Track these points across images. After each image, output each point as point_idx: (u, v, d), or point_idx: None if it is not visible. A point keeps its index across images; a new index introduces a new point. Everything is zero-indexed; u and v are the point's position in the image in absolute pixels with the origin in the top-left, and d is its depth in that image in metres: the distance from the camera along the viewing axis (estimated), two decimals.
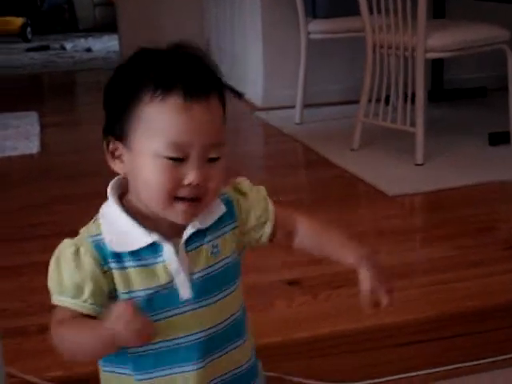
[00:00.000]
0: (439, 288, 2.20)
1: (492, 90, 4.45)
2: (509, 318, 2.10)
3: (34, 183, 3.32)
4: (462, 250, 2.43)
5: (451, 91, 4.56)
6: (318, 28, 3.95)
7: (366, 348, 1.99)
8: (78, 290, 1.06)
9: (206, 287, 1.11)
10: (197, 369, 1.11)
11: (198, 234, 1.10)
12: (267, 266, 2.28)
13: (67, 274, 1.07)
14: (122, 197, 1.12)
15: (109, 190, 1.12)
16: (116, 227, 1.08)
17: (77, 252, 1.08)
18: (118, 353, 1.07)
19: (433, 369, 2.00)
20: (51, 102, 5.35)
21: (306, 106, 4.12)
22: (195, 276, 1.10)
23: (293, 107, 4.12)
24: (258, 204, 1.19)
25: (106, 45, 7.92)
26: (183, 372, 1.11)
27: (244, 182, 1.21)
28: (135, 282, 1.07)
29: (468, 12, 4.04)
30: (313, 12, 3.99)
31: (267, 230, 1.19)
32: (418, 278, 2.29)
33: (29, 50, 8.01)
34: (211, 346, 1.12)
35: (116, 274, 1.07)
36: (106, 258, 1.07)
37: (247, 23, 4.67)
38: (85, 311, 1.07)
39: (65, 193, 3.13)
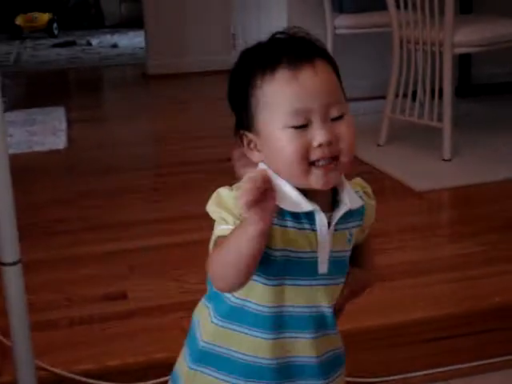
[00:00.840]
0: (466, 284, 2.19)
1: None
2: None
3: (62, 178, 3.35)
4: (489, 246, 2.42)
5: (479, 86, 4.54)
6: (345, 23, 3.94)
7: (392, 344, 1.99)
8: (240, 219, 1.05)
9: (337, 268, 1.15)
10: (311, 338, 1.14)
11: (345, 217, 1.13)
12: None
13: (232, 206, 1.07)
14: None
15: (261, 164, 1.13)
16: (279, 188, 1.08)
17: (231, 190, 1.09)
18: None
19: (458, 365, 2.01)
20: (77, 98, 5.38)
21: None
22: (334, 254, 1.13)
23: None
24: (372, 213, 1.22)
25: (132, 41, 7.95)
26: (301, 338, 1.14)
27: (368, 186, 1.24)
28: (293, 241, 1.09)
29: (495, 7, 4.01)
30: (339, 7, 3.98)
31: (361, 237, 1.21)
32: (445, 273, 2.28)
33: (55, 45, 8.05)
34: (321, 322, 1.15)
35: (277, 229, 1.08)
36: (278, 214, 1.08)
37: (273, 17, 4.67)
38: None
39: (92, 188, 3.15)
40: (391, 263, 2.32)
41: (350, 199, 1.13)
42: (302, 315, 1.13)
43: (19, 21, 8.80)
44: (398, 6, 3.38)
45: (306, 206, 1.09)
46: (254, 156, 1.13)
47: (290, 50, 1.09)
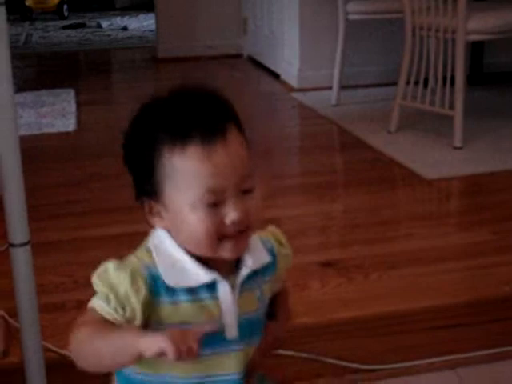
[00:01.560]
0: (475, 273, 2.19)
1: None
2: None
3: (71, 160, 3.34)
4: (499, 235, 2.41)
5: (490, 75, 4.52)
6: (357, 8, 3.92)
7: (400, 331, 1.99)
8: (122, 306, 1.03)
9: (249, 330, 1.10)
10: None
11: (251, 277, 1.10)
12: (301, 248, 2.28)
13: (119, 288, 1.03)
14: None
15: (157, 229, 1.10)
16: (172, 262, 1.06)
17: (133, 275, 1.04)
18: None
19: (466, 354, 2.00)
20: (87, 80, 5.37)
21: (342, 87, 4.10)
22: (243, 317, 1.09)
23: (329, 88, 4.10)
24: (287, 262, 1.18)
25: (142, 24, 7.93)
26: None
27: (281, 234, 1.19)
28: (185, 315, 1.05)
29: None
30: None
31: (276, 288, 1.18)
32: (454, 262, 2.28)
33: (65, 27, 8.03)
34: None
35: (166, 307, 1.05)
36: (159, 291, 1.05)
37: (284, 2, 4.65)
38: (116, 322, 1.04)
39: (101, 170, 3.15)
40: (400, 251, 2.32)
41: (254, 258, 1.09)
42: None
43: (29, 2, 8.79)
44: None
45: (205, 277, 1.06)
46: (156, 222, 1.09)
47: (202, 121, 1.02)
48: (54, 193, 2.86)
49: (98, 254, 2.31)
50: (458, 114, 3.26)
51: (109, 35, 7.47)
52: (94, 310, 1.05)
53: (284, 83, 4.67)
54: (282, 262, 1.17)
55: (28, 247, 1.54)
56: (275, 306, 1.19)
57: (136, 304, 1.03)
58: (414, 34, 3.44)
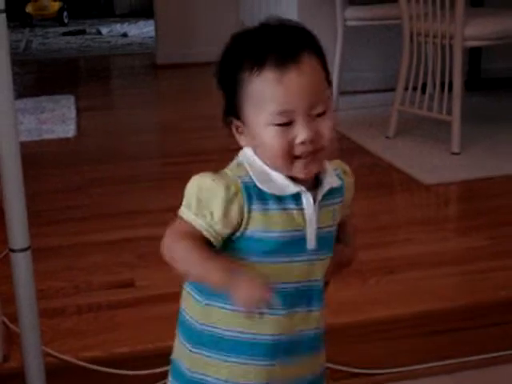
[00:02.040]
0: (472, 277, 2.20)
1: None
2: None
3: (71, 166, 3.35)
4: (496, 240, 2.42)
5: (488, 81, 4.53)
6: (355, 15, 3.94)
7: (398, 336, 1.99)
8: (211, 216, 1.12)
9: (324, 243, 1.19)
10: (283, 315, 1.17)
11: (328, 195, 1.18)
12: None
13: (216, 201, 1.12)
14: None
15: (247, 149, 1.18)
16: (263, 173, 1.15)
17: (227, 187, 1.12)
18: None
19: (463, 358, 2.01)
20: (87, 87, 5.38)
21: (341, 93, 4.11)
22: (320, 231, 1.18)
23: None
24: (352, 189, 1.25)
25: (141, 30, 7.95)
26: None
27: (346, 165, 1.27)
28: (275, 223, 1.14)
29: (507, 0, 4.00)
30: None
31: (345, 213, 1.25)
32: (451, 267, 2.29)
33: (65, 34, 8.05)
34: (309, 298, 1.20)
35: (257, 214, 1.13)
36: (252, 200, 1.13)
37: (283, 8, 4.66)
38: (207, 234, 1.13)
39: (101, 176, 3.17)
40: (398, 255, 2.33)
41: (330, 179, 1.19)
42: (293, 291, 1.17)
43: (29, 9, 8.81)
44: None
45: (292, 188, 1.14)
46: (242, 140, 1.18)
47: (278, 46, 1.11)
48: (54, 198, 2.87)
49: (97, 260, 2.34)
50: (456, 119, 3.27)
51: (108, 42, 7.48)
52: (182, 219, 1.14)
53: None
54: (348, 188, 1.24)
55: (28, 252, 1.55)
56: (343, 234, 1.27)
57: (219, 209, 1.11)
58: (411, 40, 3.46)
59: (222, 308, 1.17)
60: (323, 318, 1.25)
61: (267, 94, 1.11)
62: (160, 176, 3.26)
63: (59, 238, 2.49)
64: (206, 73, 5.86)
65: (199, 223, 1.12)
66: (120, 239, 2.48)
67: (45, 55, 6.75)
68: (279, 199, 1.14)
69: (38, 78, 5.50)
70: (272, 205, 1.14)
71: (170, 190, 2.97)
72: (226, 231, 1.13)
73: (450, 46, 3.28)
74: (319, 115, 1.12)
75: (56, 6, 8.93)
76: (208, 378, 1.20)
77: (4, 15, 1.43)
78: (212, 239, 1.13)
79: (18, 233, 1.53)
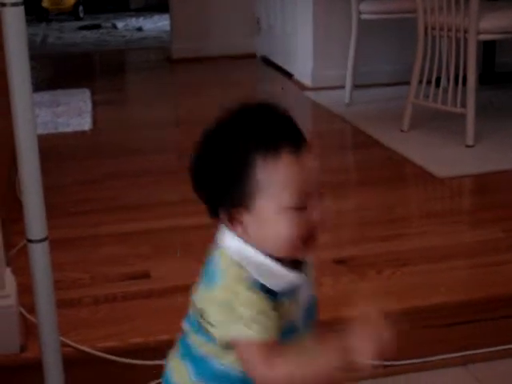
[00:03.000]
0: (487, 270, 2.20)
1: None
2: None
3: (86, 159, 3.37)
4: (511, 233, 2.42)
5: (503, 74, 4.51)
6: (370, 8, 3.94)
7: (413, 327, 1.99)
8: (262, 322, 1.10)
9: (309, 316, 1.20)
10: None
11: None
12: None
13: (250, 308, 1.10)
14: None
15: (229, 239, 1.15)
16: (263, 268, 1.13)
17: (249, 289, 1.11)
18: None
19: (477, 350, 2.02)
20: (102, 80, 5.41)
21: (355, 86, 4.11)
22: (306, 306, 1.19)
23: (342, 88, 4.12)
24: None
25: (156, 24, 7.97)
26: None
27: None
28: (288, 313, 1.14)
29: None
30: None
31: None
32: (466, 259, 2.30)
33: (81, 28, 8.08)
34: None
35: (275, 306, 1.12)
36: (267, 295, 1.12)
37: (298, 2, 4.67)
38: (271, 339, 1.10)
39: (116, 169, 3.19)
40: (412, 248, 2.34)
41: None
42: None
43: (46, 3, 8.84)
44: None
45: (295, 277, 1.14)
46: (240, 231, 1.13)
47: (289, 131, 1.12)
48: (70, 191, 2.89)
49: (113, 251, 2.36)
50: (470, 112, 3.27)
51: (124, 36, 7.51)
52: (251, 340, 1.09)
53: (297, 82, 4.69)
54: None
55: (46, 243, 1.56)
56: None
57: (262, 311, 1.10)
58: (426, 34, 3.45)
59: None
60: None
61: (285, 177, 1.09)
62: (175, 169, 3.25)
63: (75, 229, 2.51)
64: (220, 67, 5.93)
65: (262, 331, 1.09)
66: (135, 231, 2.50)
67: (61, 49, 6.78)
68: (270, 291, 1.12)
69: (54, 71, 5.52)
70: (281, 296, 1.13)
71: (184, 183, 2.98)
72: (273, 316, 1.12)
73: (465, 40, 3.27)
74: (320, 195, 1.13)
75: (72, 0, 8.97)
76: None
77: (22, 8, 1.44)
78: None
79: (36, 223, 1.54)
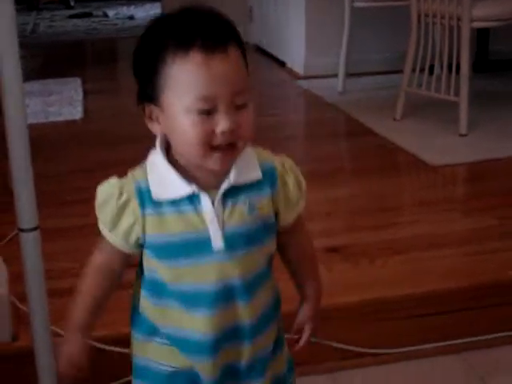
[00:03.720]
0: (480, 258, 2.21)
1: None
2: None
3: (78, 148, 3.36)
4: (503, 221, 2.43)
5: (496, 62, 4.52)
6: None
7: (405, 315, 2.01)
8: (115, 225, 1.17)
9: (237, 241, 1.16)
10: (209, 315, 1.17)
11: (234, 191, 1.16)
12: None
13: (109, 209, 1.17)
14: (168, 151, 1.17)
15: (157, 142, 1.17)
16: (160, 176, 1.15)
17: (121, 193, 1.16)
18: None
19: (471, 338, 2.02)
20: (94, 69, 5.40)
21: (348, 75, 4.11)
22: (228, 229, 1.15)
23: (335, 76, 4.11)
24: (291, 185, 1.21)
25: (148, 13, 7.94)
26: (196, 315, 1.18)
27: (288, 161, 1.23)
28: (171, 226, 1.14)
29: None
30: None
31: (290, 218, 1.23)
32: (459, 247, 2.31)
33: (71, 16, 8.06)
34: (228, 295, 1.18)
35: (152, 219, 1.15)
36: (145, 204, 1.14)
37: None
38: (117, 245, 1.19)
39: (108, 158, 3.17)
40: (404, 236, 2.34)
41: (240, 173, 1.15)
42: (207, 292, 1.17)
43: None
44: None
45: (185, 189, 1.13)
46: (154, 127, 1.16)
47: (206, 31, 1.09)
48: (61, 180, 2.89)
49: None
50: (463, 100, 3.28)
51: (115, 24, 7.49)
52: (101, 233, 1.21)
53: (290, 71, 4.68)
54: (283, 183, 1.20)
55: (37, 232, 1.56)
56: (301, 278, 1.29)
57: (117, 216, 1.16)
58: (419, 22, 3.45)
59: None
60: (260, 309, 1.22)
61: (192, 77, 1.07)
62: None
63: (67, 219, 2.51)
64: None
65: (106, 235, 1.20)
66: None
67: (51, 38, 6.76)
68: (174, 202, 1.14)
69: (44, 60, 5.50)
70: (166, 208, 1.14)
71: None
72: (131, 238, 1.17)
73: (458, 27, 3.27)
74: (240, 107, 1.10)
75: None
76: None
77: None
78: (123, 249, 1.20)
79: (27, 212, 1.54)
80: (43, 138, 3.31)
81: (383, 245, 2.27)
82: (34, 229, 1.56)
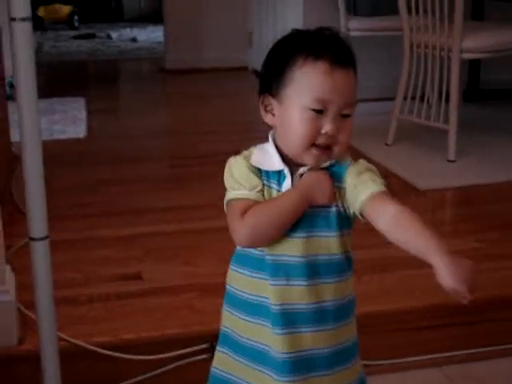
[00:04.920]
0: None
1: None
2: None
3: (81, 166, 3.46)
4: (488, 243, 2.53)
5: (487, 92, 4.63)
6: (359, 25, 4.05)
7: (389, 329, 2.10)
8: (251, 185, 1.30)
9: (310, 221, 1.31)
10: (306, 285, 1.31)
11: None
12: None
13: (242, 175, 1.31)
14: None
15: (270, 134, 1.35)
16: (264, 154, 1.33)
17: (247, 161, 1.32)
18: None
19: (451, 352, 2.11)
20: (97, 89, 5.49)
21: None
22: (309, 211, 1.30)
23: None
24: (354, 169, 1.34)
25: (150, 35, 8.07)
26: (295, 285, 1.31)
27: (365, 163, 1.38)
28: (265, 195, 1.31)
29: (507, 15, 4.10)
30: (354, 9, 4.08)
31: (360, 198, 1.31)
32: None
33: (76, 37, 8.18)
34: (314, 271, 1.31)
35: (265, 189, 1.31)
36: (261, 173, 1.32)
37: (289, 18, 4.78)
38: (258, 199, 1.29)
39: (110, 176, 3.28)
40: (392, 255, 2.41)
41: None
42: (295, 264, 1.31)
43: (41, 12, 8.93)
44: (409, 11, 3.49)
45: (279, 165, 1.31)
46: (267, 118, 1.33)
47: (334, 47, 1.28)
48: (65, 196, 2.96)
49: (107, 254, 2.45)
50: (453, 128, 3.39)
51: (118, 46, 7.61)
52: (230, 200, 1.31)
53: None
54: (349, 171, 1.33)
55: (47, 241, 1.65)
56: (414, 245, 1.33)
57: (251, 177, 1.31)
58: (412, 51, 3.57)
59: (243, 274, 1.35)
60: (345, 290, 1.37)
61: (316, 81, 1.25)
62: (166, 177, 3.37)
63: (71, 232, 2.59)
64: (213, 79, 5.98)
65: (243, 193, 1.29)
66: (128, 235, 2.60)
67: (56, 58, 6.86)
68: (266, 174, 1.31)
69: (49, 80, 5.59)
70: (267, 181, 1.31)
71: (175, 190, 3.09)
72: (260, 186, 1.30)
73: (448, 58, 3.38)
74: (345, 116, 1.28)
75: (67, 9, 9.07)
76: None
77: (30, 23, 1.55)
78: (258, 198, 1.29)
79: (38, 222, 1.63)
80: (47, 155, 3.38)
81: (371, 263, 2.34)
82: (45, 238, 1.64)
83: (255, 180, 1.30)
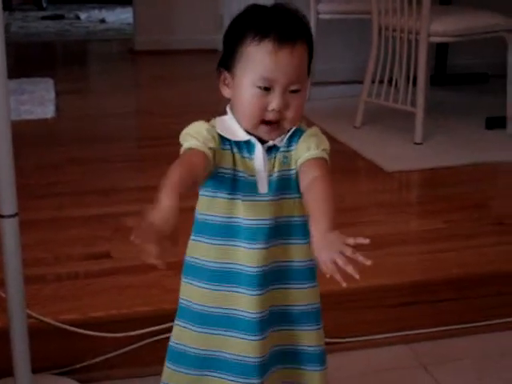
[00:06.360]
0: (429, 256, 2.35)
1: (493, 77, 4.57)
2: (492, 287, 2.25)
3: (50, 146, 3.44)
4: (452, 224, 2.57)
5: (454, 76, 4.68)
6: (328, 8, 4.07)
7: (359, 306, 2.14)
8: (203, 139, 1.33)
9: (276, 187, 1.38)
10: (261, 248, 1.37)
11: (275, 147, 1.38)
12: None
13: (199, 132, 1.34)
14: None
15: (227, 107, 1.41)
16: (226, 125, 1.38)
17: (209, 125, 1.36)
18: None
19: (418, 330, 2.15)
20: (65, 70, 5.45)
21: (312, 83, 4.22)
22: (271, 177, 1.37)
23: None
24: (307, 139, 1.38)
25: (119, 17, 8.01)
26: (247, 248, 1.38)
27: (316, 130, 1.42)
28: (237, 164, 1.36)
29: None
30: None
31: (299, 161, 1.37)
32: (410, 246, 2.43)
33: (44, 18, 8.10)
34: (275, 232, 1.38)
35: (226, 153, 1.36)
36: (222, 140, 1.36)
37: (259, 1, 4.77)
38: (204, 150, 1.31)
39: (78, 155, 3.27)
40: (363, 235, 2.45)
41: (281, 139, 1.37)
42: (250, 227, 1.37)
43: None
44: None
45: (244, 136, 1.36)
46: (225, 91, 1.40)
47: (281, 26, 1.32)
48: (33, 176, 2.96)
49: (76, 233, 2.45)
50: (419, 111, 3.43)
51: (87, 27, 7.54)
52: (185, 149, 1.34)
53: None
54: (301, 139, 1.38)
55: (16, 218, 1.65)
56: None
57: (207, 135, 1.34)
58: (380, 35, 3.60)
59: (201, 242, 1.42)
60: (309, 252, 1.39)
61: (260, 60, 1.31)
62: (134, 157, 3.37)
63: (39, 212, 2.59)
64: (182, 61, 5.96)
65: (192, 143, 1.32)
66: (97, 214, 2.60)
67: (24, 38, 6.79)
68: (236, 144, 1.36)
69: (17, 60, 5.54)
70: (234, 148, 1.36)
71: (144, 170, 3.09)
72: (213, 145, 1.33)
73: (416, 41, 3.41)
74: (294, 91, 1.32)
75: None
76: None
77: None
78: (205, 150, 1.31)
79: (7, 199, 1.63)
80: (15, 135, 3.37)
81: None
82: (14, 215, 1.64)
83: (210, 141, 1.33)
